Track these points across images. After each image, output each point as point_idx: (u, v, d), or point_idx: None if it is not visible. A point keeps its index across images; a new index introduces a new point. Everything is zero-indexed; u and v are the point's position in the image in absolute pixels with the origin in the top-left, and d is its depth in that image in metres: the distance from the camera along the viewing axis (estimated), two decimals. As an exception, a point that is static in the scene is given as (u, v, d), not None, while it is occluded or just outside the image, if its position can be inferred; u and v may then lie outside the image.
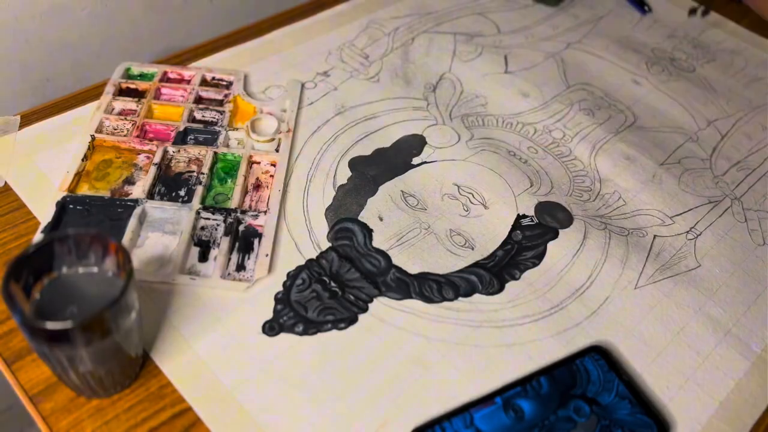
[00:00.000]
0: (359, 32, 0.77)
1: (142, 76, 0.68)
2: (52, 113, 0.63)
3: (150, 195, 0.56)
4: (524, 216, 0.59)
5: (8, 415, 0.96)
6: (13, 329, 0.48)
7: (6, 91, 0.70)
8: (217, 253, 0.52)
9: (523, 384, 0.47)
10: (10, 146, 0.59)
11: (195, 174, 0.59)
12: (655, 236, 0.59)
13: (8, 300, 0.37)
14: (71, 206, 0.55)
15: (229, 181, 0.59)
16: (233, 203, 0.56)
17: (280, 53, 0.72)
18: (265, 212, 0.56)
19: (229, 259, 0.53)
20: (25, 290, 0.40)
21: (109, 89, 0.65)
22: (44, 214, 0.54)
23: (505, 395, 0.46)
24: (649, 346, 0.51)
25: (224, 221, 0.55)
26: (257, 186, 0.59)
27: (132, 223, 0.53)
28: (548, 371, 0.47)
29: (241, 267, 0.53)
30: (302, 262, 0.53)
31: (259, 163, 0.61)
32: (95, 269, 0.43)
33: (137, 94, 0.66)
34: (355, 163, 0.62)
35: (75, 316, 0.37)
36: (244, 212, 0.55)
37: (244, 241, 0.54)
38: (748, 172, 0.66)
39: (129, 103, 0.64)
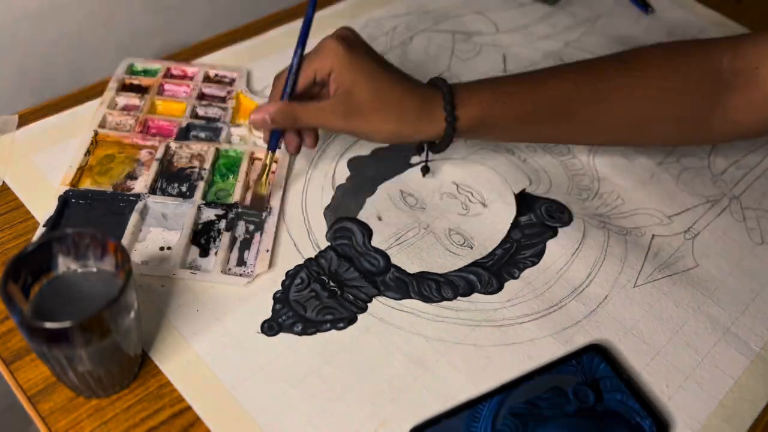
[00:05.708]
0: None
1: (146, 72, 0.68)
2: (50, 113, 0.63)
3: (152, 190, 0.56)
4: (523, 214, 0.59)
5: (7, 415, 0.96)
6: (12, 329, 0.47)
7: (4, 90, 0.70)
8: (218, 248, 0.53)
9: (521, 383, 0.46)
10: (8, 146, 0.59)
11: (197, 170, 0.59)
12: (653, 236, 0.59)
13: (7, 300, 0.37)
14: (73, 200, 0.55)
15: (231, 177, 0.59)
16: (234, 199, 0.56)
17: (279, 52, 0.72)
18: (266, 208, 0.56)
19: (230, 255, 0.53)
20: (23, 290, 0.40)
21: (113, 85, 0.65)
22: (43, 213, 0.54)
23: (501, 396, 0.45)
24: (648, 344, 0.51)
25: (225, 217, 0.55)
26: None
27: (134, 217, 0.53)
28: (547, 370, 0.47)
29: (241, 262, 0.53)
30: (301, 261, 0.53)
31: (260, 159, 0.61)
32: (94, 269, 0.43)
33: (140, 90, 0.66)
34: (354, 163, 0.62)
35: (74, 316, 0.37)
36: (245, 208, 0.55)
37: (245, 236, 0.54)
38: (747, 170, 0.66)
39: (132, 99, 0.64)
